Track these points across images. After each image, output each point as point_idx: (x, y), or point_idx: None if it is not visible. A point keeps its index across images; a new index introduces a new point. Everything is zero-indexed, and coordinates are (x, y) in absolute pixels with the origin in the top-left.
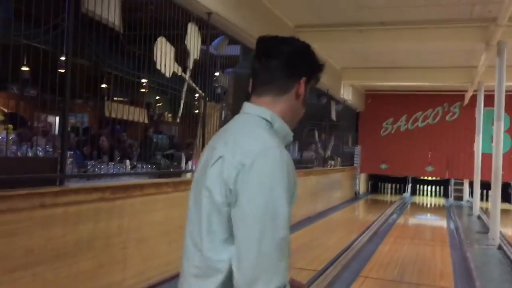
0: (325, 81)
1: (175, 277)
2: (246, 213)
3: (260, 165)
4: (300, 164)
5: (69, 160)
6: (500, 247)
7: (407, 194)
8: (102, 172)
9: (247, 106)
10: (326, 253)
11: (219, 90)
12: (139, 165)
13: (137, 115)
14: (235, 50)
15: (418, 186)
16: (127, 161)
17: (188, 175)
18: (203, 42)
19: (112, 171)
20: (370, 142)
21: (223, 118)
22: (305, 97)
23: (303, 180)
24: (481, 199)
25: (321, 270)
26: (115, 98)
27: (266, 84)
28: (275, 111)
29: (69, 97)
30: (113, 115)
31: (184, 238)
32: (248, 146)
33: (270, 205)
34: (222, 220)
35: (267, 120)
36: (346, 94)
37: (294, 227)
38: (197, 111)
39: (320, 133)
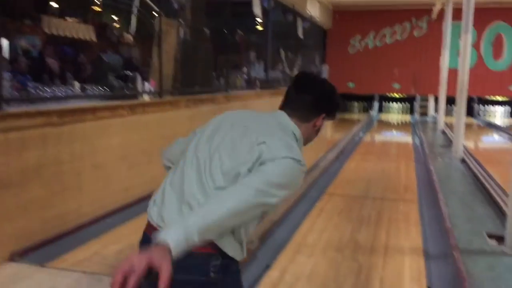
0: None
1: (136, 202)
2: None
3: (291, 163)
4: (267, 84)
5: (8, 83)
6: (463, 160)
7: (374, 112)
8: (47, 95)
9: (285, 116)
10: None
11: (175, 5)
12: (90, 87)
13: (87, 33)
14: None
15: (385, 103)
16: (76, 83)
17: (146, 97)
18: None
19: (59, 94)
20: (337, 60)
21: (181, 36)
22: (320, 128)
23: (269, 100)
24: (445, 114)
25: None
26: (67, 18)
27: (294, 110)
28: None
29: None
30: (61, 33)
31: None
32: (288, 147)
33: (279, 185)
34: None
35: (295, 135)
36: (313, 11)
37: None
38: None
39: (287, 52)
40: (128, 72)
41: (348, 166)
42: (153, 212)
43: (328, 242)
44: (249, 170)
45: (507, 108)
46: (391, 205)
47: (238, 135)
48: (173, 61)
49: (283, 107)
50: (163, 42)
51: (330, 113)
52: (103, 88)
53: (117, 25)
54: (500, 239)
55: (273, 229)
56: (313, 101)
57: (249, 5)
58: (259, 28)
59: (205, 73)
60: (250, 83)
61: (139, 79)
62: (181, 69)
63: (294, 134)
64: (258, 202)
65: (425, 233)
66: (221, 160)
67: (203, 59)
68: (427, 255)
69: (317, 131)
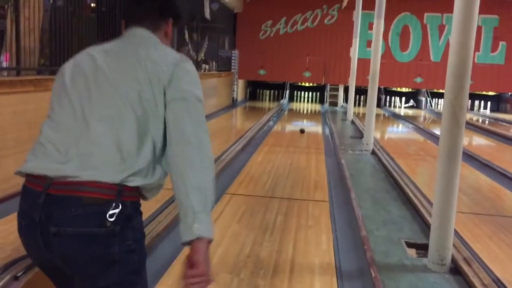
0: None
1: None
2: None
3: (189, 66)
4: None
5: None
6: (373, 152)
7: (285, 100)
8: None
9: (138, 31)
10: None
11: None
12: None
13: None
14: None
15: (295, 92)
16: None
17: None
18: None
19: None
20: (248, 46)
21: (51, 1)
22: (172, 37)
23: None
24: (354, 104)
25: None
26: None
27: (140, 22)
28: None
29: None
30: None
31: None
32: (171, 53)
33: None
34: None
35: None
36: None
37: None
38: None
39: (192, 34)
40: None
41: (254, 159)
42: (41, 163)
43: (222, 260)
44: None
45: (411, 98)
46: (299, 207)
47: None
48: (38, 31)
49: (127, 24)
50: (23, 6)
51: (176, 17)
52: None
53: None
54: (419, 247)
55: (155, 244)
56: (156, 7)
57: None
58: None
59: (84, 47)
60: None
61: None
62: (51, 41)
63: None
64: (205, 132)
65: (337, 243)
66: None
67: (83, 32)
68: (340, 273)
69: (170, 41)
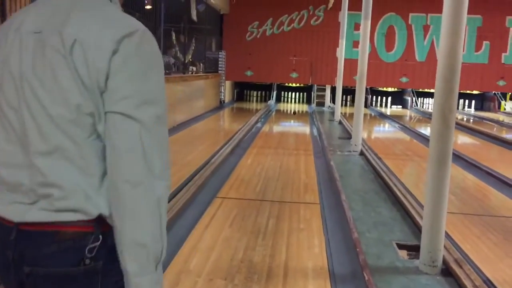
0: None
1: None
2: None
3: (146, 43)
4: None
5: None
6: (361, 153)
7: (272, 101)
8: None
9: None
10: (182, 172)
11: None
12: None
13: None
14: None
15: (283, 93)
16: None
17: None
18: None
19: None
20: (235, 47)
21: None
22: None
23: None
24: (341, 104)
25: (173, 192)
26: None
27: None
28: None
29: None
30: None
31: None
32: (116, 25)
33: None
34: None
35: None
36: None
37: None
38: None
39: (179, 36)
40: None
41: (244, 162)
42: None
43: (216, 266)
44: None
45: (396, 98)
46: (291, 210)
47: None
48: None
49: None
50: (9, 11)
51: None
52: None
53: None
54: (411, 249)
55: None
56: None
57: None
58: (147, 6)
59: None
60: None
61: None
62: None
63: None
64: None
65: (329, 246)
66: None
67: None
68: (333, 277)
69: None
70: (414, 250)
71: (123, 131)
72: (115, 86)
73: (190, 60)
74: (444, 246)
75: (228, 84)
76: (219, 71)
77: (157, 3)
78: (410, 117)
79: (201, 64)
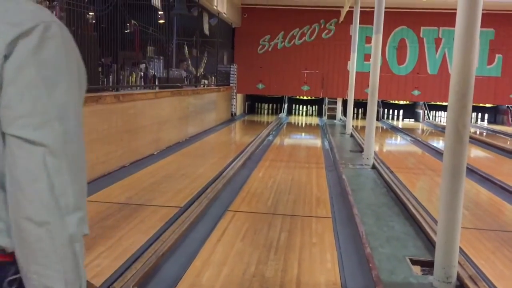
0: None
1: None
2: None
3: (37, 50)
4: (167, 83)
5: None
6: (373, 167)
7: (283, 114)
8: None
9: None
10: (193, 185)
11: None
12: None
13: None
14: None
15: (294, 106)
16: None
17: None
18: None
19: None
20: (246, 60)
21: None
22: None
23: (170, 101)
24: (352, 117)
25: (185, 206)
26: None
27: None
28: None
29: None
30: None
31: None
32: (9, 20)
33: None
34: None
35: None
36: (221, 6)
37: (160, 155)
38: None
39: (191, 49)
40: None
41: (255, 174)
42: None
43: (228, 280)
44: None
45: (408, 111)
46: (303, 223)
47: None
48: None
49: None
50: None
51: None
52: None
53: None
54: (424, 265)
55: (160, 264)
56: None
57: None
58: (160, 21)
59: (87, 68)
60: (147, 81)
61: None
62: None
63: None
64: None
65: (341, 261)
66: None
67: (85, 51)
68: None
69: None
70: (428, 265)
71: (22, 158)
72: (8, 102)
73: (202, 73)
74: (458, 262)
75: (239, 97)
76: (231, 84)
77: (170, 18)
78: (422, 130)
79: (213, 77)
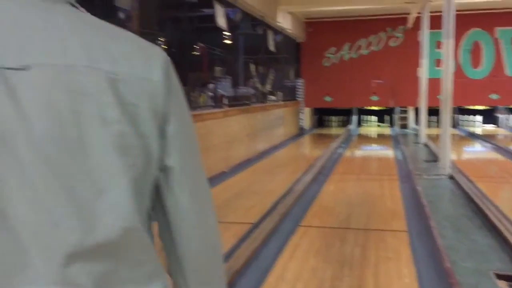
0: (259, 7)
1: None
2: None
3: (174, 76)
4: (236, 101)
5: None
6: (451, 177)
7: (353, 126)
8: None
9: None
10: (264, 201)
11: (121, 15)
12: None
13: None
14: None
15: (363, 117)
16: None
17: None
18: None
19: None
20: (313, 74)
21: None
22: None
23: (239, 119)
24: (426, 125)
25: (256, 222)
26: None
27: None
28: None
29: None
30: None
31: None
32: (141, 41)
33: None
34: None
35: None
36: (285, 23)
37: (231, 172)
38: None
39: (257, 66)
40: None
41: (326, 188)
42: None
43: None
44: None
45: (487, 116)
46: (377, 238)
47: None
48: None
49: None
50: None
51: None
52: None
53: None
54: (510, 279)
55: (234, 281)
56: None
57: (213, 18)
58: (226, 41)
59: None
60: (216, 101)
61: None
62: None
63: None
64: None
65: (420, 277)
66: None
67: None
68: None
69: None
70: None
71: (194, 196)
72: (179, 122)
73: (269, 89)
74: None
75: (307, 111)
76: (298, 99)
77: (236, 38)
78: (504, 136)
79: (280, 93)
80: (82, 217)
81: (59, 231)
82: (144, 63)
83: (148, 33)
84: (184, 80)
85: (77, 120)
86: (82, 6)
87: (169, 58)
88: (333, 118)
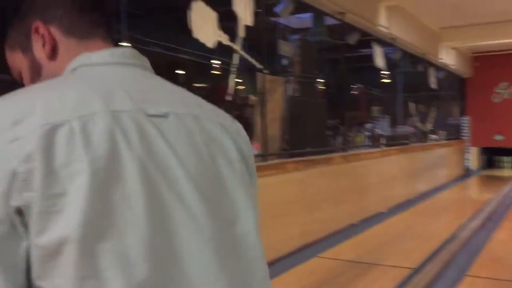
0: (420, 45)
1: None
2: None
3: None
4: (394, 140)
5: None
6: None
7: None
8: None
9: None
10: (425, 245)
11: (284, 61)
12: None
13: None
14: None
15: None
16: None
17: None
18: (258, 5)
19: None
20: (480, 111)
21: (289, 94)
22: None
23: (397, 158)
24: None
25: (417, 267)
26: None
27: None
28: None
29: None
30: None
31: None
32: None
33: None
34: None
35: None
36: (448, 59)
37: (389, 213)
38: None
39: (418, 105)
40: None
41: (497, 237)
42: None
43: None
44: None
45: None
46: None
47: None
48: (279, 120)
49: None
50: (268, 101)
51: (46, 10)
52: None
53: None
54: None
55: None
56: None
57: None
58: (385, 80)
59: (318, 132)
60: (373, 141)
61: None
62: (289, 128)
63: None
64: None
65: None
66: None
67: (315, 117)
68: None
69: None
70: None
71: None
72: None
73: (430, 128)
74: None
75: (474, 150)
76: (463, 138)
77: (395, 76)
78: None
79: (443, 131)
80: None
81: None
82: (231, 118)
83: (308, 77)
84: (341, 119)
85: (213, 159)
86: (251, 54)
87: None
88: (505, 158)
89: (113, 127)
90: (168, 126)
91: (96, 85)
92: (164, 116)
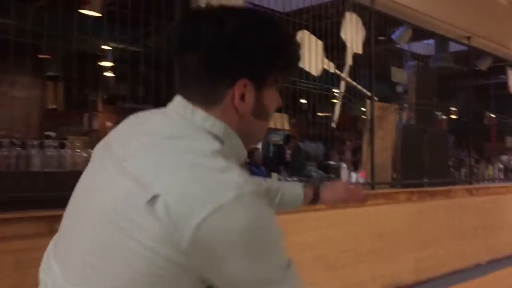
0: None
1: None
2: None
3: (234, 215)
4: None
5: None
6: None
7: None
8: None
9: (181, 106)
10: None
11: (398, 88)
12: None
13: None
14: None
15: None
16: (274, 174)
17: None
18: (368, 31)
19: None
20: None
21: (403, 121)
22: (264, 106)
23: None
24: None
25: None
26: None
27: (189, 88)
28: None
29: None
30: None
31: None
32: (208, 187)
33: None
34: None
35: (215, 136)
36: None
37: None
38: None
39: None
40: (332, 162)
41: None
42: None
43: None
44: None
45: None
46: None
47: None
48: (391, 149)
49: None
50: (377, 128)
51: (257, 72)
52: (300, 179)
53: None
54: None
55: None
56: (203, 60)
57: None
58: None
59: (437, 162)
60: (507, 173)
61: (344, 169)
62: (402, 157)
63: (212, 134)
64: None
65: None
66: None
67: (435, 146)
68: None
69: (257, 113)
70: None
71: None
72: None
73: None
74: None
75: None
76: None
77: None
78: None
79: None
80: None
81: None
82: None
83: (425, 104)
84: (466, 150)
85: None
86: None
87: None
88: None
89: None
90: None
91: None
92: None
